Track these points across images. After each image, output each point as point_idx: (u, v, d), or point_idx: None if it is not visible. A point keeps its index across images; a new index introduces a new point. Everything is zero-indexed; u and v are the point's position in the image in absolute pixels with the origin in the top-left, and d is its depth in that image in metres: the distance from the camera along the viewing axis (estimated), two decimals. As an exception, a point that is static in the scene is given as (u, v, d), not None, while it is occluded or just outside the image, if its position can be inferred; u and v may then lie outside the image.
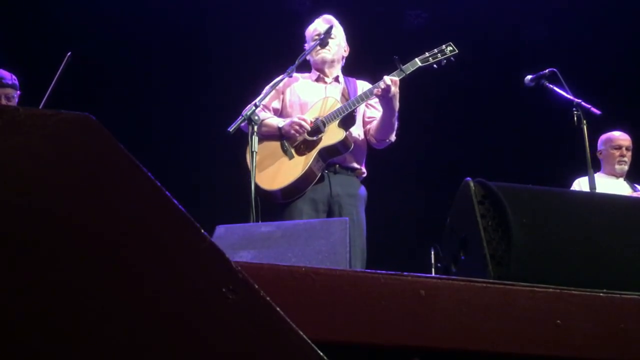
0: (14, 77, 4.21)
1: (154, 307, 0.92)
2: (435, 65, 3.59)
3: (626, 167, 4.66)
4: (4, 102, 4.09)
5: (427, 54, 3.60)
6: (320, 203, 3.48)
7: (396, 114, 3.57)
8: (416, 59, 3.57)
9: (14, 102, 4.13)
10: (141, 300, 0.91)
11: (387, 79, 3.42)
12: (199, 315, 0.93)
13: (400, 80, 3.49)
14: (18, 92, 4.18)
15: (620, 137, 4.69)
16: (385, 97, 3.44)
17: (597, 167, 4.80)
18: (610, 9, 6.29)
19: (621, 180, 4.63)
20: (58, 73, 3.93)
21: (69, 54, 3.96)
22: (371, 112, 3.75)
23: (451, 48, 3.61)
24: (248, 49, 6.01)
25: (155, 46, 6.09)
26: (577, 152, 4.04)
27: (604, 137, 4.79)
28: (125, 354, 0.89)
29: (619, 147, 4.66)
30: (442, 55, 3.59)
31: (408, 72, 3.50)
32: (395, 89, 3.42)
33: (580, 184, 4.63)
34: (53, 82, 3.94)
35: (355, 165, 3.65)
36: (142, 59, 6.07)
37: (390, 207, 6.22)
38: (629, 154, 4.67)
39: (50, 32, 5.83)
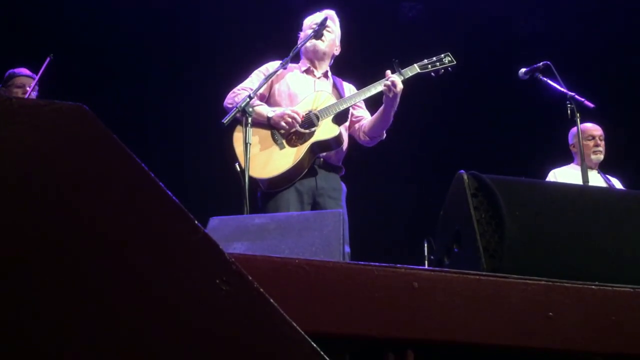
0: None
1: (147, 298, 0.92)
2: (433, 74, 3.66)
3: (602, 157, 4.69)
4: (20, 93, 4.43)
5: (425, 61, 3.67)
6: (306, 195, 3.48)
7: (395, 111, 3.59)
8: (415, 65, 3.63)
9: (35, 94, 4.43)
10: (134, 291, 0.91)
11: (393, 77, 3.46)
12: (192, 306, 0.93)
13: None
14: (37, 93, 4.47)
15: (592, 127, 4.72)
16: (391, 92, 3.45)
17: (570, 160, 4.84)
18: (604, 2, 6.30)
19: (595, 172, 4.65)
20: (39, 75, 4.11)
21: (50, 56, 4.10)
22: (358, 112, 3.78)
23: (449, 59, 3.70)
24: (242, 42, 5.99)
25: (148, 38, 6.06)
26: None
27: (574, 130, 4.80)
28: (118, 345, 0.89)
29: (593, 137, 4.68)
30: (440, 65, 3.68)
31: (406, 77, 3.55)
32: (401, 86, 3.46)
33: (556, 175, 4.66)
34: (33, 84, 4.33)
35: (337, 163, 3.69)
36: (134, 51, 6.05)
37: (383, 199, 6.24)
38: (603, 143, 4.71)
39: (41, 23, 5.80)
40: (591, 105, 3.96)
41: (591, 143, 4.68)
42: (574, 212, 1.64)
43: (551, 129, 5.15)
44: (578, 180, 4.34)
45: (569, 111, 3.95)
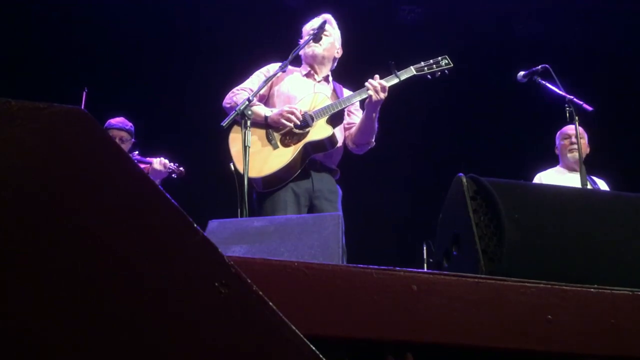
0: (131, 125, 4.70)
1: (146, 301, 0.91)
2: (429, 76, 3.66)
3: (577, 154, 4.58)
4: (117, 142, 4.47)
5: (422, 64, 3.67)
6: (303, 197, 3.49)
7: (377, 117, 3.59)
8: (411, 67, 3.63)
9: (128, 145, 4.60)
10: (132, 294, 0.91)
11: (381, 81, 3.46)
12: (191, 309, 0.93)
13: (393, 85, 3.53)
14: (133, 140, 4.65)
15: (568, 127, 4.71)
16: (376, 96, 3.45)
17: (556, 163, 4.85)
18: (603, 5, 6.31)
19: (576, 174, 4.62)
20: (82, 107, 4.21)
21: (85, 90, 4.34)
22: (350, 119, 3.77)
23: (446, 61, 3.70)
24: (242, 43, 5.99)
25: (148, 38, 6.07)
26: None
27: (556, 134, 4.85)
28: (116, 347, 0.88)
29: (568, 137, 4.69)
30: (437, 67, 3.68)
31: (402, 79, 3.55)
32: (385, 94, 3.46)
33: (542, 179, 4.66)
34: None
35: (333, 166, 3.70)
36: (133, 52, 6.04)
37: (382, 202, 6.24)
38: (583, 141, 4.60)
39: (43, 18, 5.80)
40: (589, 108, 3.96)
41: (567, 142, 4.69)
42: (573, 215, 1.64)
43: (550, 132, 5.15)
44: (560, 183, 4.34)
45: (567, 114, 3.96)
